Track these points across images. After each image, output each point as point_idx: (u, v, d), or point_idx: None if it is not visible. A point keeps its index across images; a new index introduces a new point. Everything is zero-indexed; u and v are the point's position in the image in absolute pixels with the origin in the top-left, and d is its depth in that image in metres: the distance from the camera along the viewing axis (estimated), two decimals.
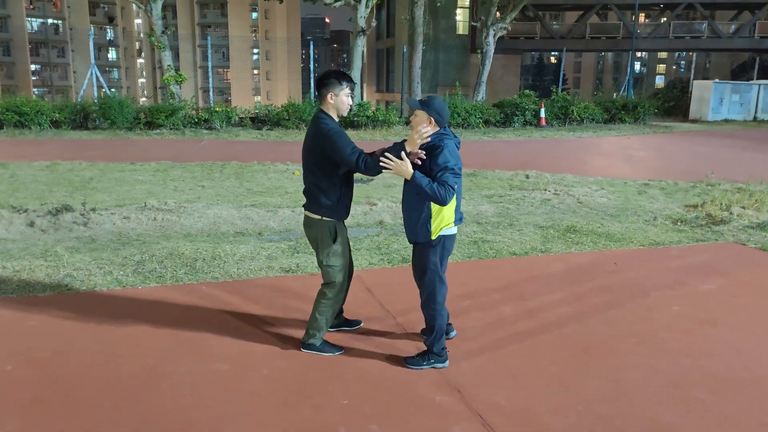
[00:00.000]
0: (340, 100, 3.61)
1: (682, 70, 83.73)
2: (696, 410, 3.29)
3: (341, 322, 4.23)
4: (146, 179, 10.02)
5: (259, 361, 3.77)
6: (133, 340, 4.03)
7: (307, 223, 3.77)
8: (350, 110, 3.72)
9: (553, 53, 64.61)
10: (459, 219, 3.81)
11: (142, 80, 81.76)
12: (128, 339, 4.04)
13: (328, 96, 3.60)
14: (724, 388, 3.52)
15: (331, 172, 3.62)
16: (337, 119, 3.66)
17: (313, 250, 6.02)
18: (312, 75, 22.00)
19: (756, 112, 25.94)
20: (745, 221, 7.47)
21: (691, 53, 42.09)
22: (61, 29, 70.06)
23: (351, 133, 18.00)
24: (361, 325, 4.28)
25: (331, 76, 3.62)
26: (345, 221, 3.88)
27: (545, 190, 9.36)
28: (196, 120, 18.15)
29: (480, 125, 20.12)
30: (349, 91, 3.63)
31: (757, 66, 30.90)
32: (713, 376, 3.67)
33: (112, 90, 20.11)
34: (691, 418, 3.21)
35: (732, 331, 4.35)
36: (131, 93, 64.88)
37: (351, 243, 6.33)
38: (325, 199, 3.66)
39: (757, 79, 28.31)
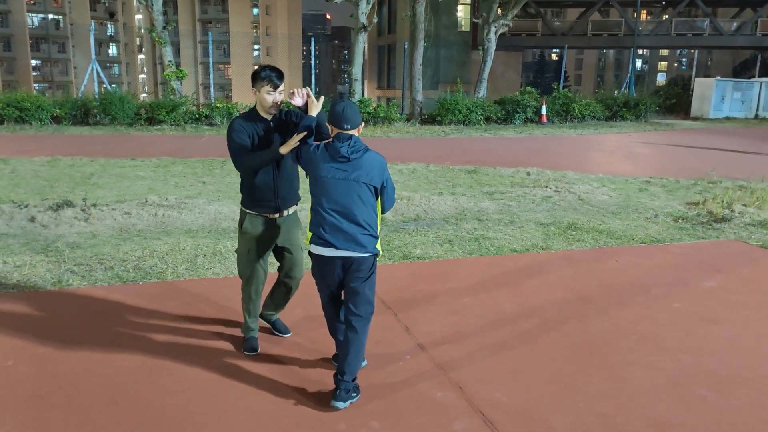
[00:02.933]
0: (261, 97, 3.54)
1: (683, 67, 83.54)
2: (697, 408, 3.29)
3: (270, 322, 4.12)
4: (147, 175, 10.02)
5: (260, 356, 3.77)
6: (134, 335, 4.03)
7: None
8: (278, 107, 3.57)
9: (554, 50, 64.52)
10: (319, 238, 3.19)
11: (143, 76, 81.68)
12: (129, 334, 4.04)
13: (253, 91, 3.58)
14: (725, 386, 3.51)
15: None
16: (265, 115, 3.58)
17: None
18: (313, 71, 21.97)
19: (758, 109, 25.89)
20: (747, 219, 7.46)
21: (692, 51, 42.02)
22: (61, 24, 70.01)
23: None
24: (288, 335, 4.06)
25: (256, 71, 3.57)
26: (270, 217, 3.68)
27: (546, 187, 9.35)
28: (197, 116, 18.13)
29: (481, 122, 20.09)
30: (271, 88, 3.50)
31: (759, 64, 30.83)
32: (714, 373, 3.67)
33: (113, 86, 20.08)
34: (691, 415, 3.21)
35: (733, 328, 4.34)
36: (132, 89, 64.68)
37: None
38: (241, 188, 3.77)
39: (759, 76, 28.26)
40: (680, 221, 7.43)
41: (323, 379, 3.49)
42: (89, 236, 6.33)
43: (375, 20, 21.19)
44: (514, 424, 3.09)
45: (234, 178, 9.81)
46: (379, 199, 3.28)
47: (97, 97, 18.15)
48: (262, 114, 3.60)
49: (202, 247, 5.87)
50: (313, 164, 3.21)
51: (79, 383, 3.41)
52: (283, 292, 3.98)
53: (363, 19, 19.45)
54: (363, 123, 3.30)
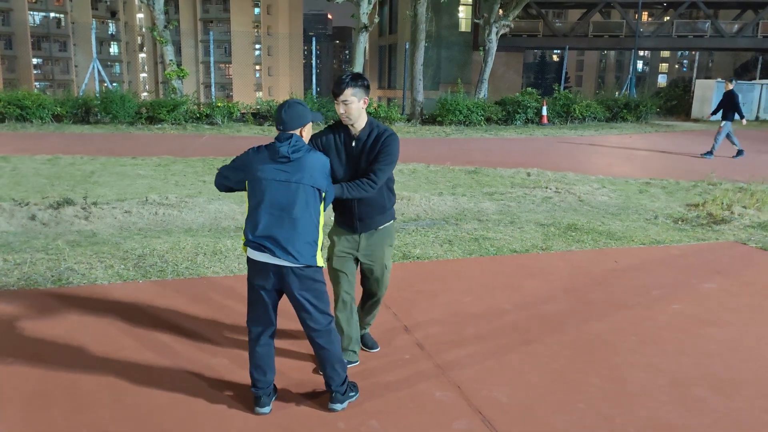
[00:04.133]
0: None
1: (684, 69, 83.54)
2: (696, 409, 3.29)
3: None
4: (147, 174, 10.02)
5: None
6: (134, 333, 4.04)
7: None
8: (348, 118, 3.30)
9: (555, 51, 64.49)
10: (250, 241, 2.99)
11: (144, 75, 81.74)
12: (129, 332, 4.04)
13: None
14: (725, 388, 3.51)
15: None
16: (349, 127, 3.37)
17: None
18: (314, 71, 21.97)
19: (758, 111, 25.89)
20: (746, 221, 7.46)
21: (693, 52, 42.05)
22: (63, 23, 70.03)
23: None
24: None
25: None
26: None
27: (546, 187, 9.35)
28: (198, 115, 18.14)
29: (482, 123, 20.09)
30: (335, 98, 3.31)
31: (759, 66, 30.80)
32: (714, 375, 3.67)
33: (114, 84, 20.07)
34: (691, 417, 3.21)
35: (733, 330, 4.34)
36: (133, 87, 64.75)
37: None
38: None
39: (760, 78, 28.25)
40: (680, 223, 7.43)
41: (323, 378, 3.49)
42: (89, 234, 6.33)
43: (376, 20, 21.18)
44: (513, 424, 3.09)
45: None
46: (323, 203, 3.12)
47: (98, 95, 18.15)
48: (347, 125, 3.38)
49: (202, 246, 5.88)
50: (250, 167, 3.03)
51: (79, 381, 3.41)
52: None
53: (364, 19, 19.46)
54: (311, 123, 3.11)
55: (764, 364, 3.81)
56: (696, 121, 25.12)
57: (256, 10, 72.66)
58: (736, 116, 13.45)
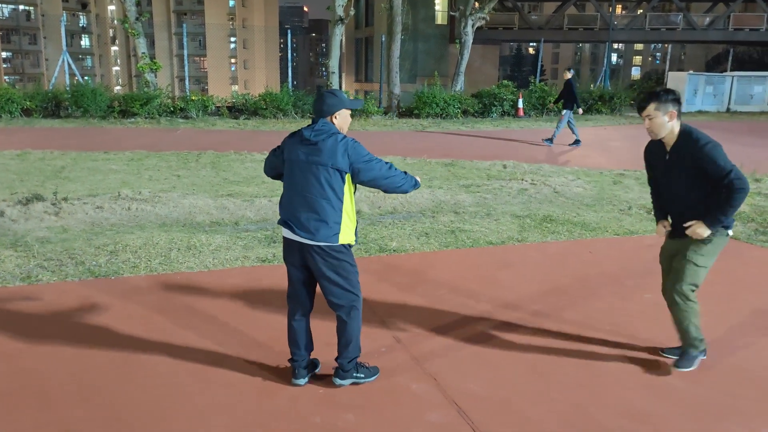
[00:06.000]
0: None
1: (657, 61, 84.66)
2: (668, 396, 3.34)
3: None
4: (120, 168, 9.86)
5: (234, 351, 3.74)
6: (106, 331, 3.98)
7: None
8: (655, 133, 3.51)
9: (531, 44, 64.85)
10: (280, 218, 3.28)
11: (117, 68, 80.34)
12: (100, 330, 3.98)
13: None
14: (696, 375, 3.57)
15: None
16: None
17: None
18: (290, 64, 21.80)
19: (729, 103, 26.31)
20: None
21: (666, 45, 42.61)
22: (32, 16, 68.44)
23: None
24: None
25: None
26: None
27: (522, 179, 9.41)
28: (172, 109, 17.87)
29: (458, 115, 20.13)
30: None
31: (730, 58, 31.31)
32: None
33: (86, 78, 19.71)
34: (662, 404, 3.26)
35: (703, 318, 4.40)
36: (105, 81, 63.67)
37: None
38: None
39: (731, 71, 28.69)
40: (652, 213, 7.51)
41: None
42: (60, 231, 6.22)
43: (352, 13, 21.06)
44: (488, 415, 3.11)
45: (209, 172, 9.71)
46: (353, 183, 3.17)
47: (68, 89, 17.79)
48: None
49: (176, 241, 5.80)
50: (283, 151, 3.25)
51: (50, 379, 3.35)
52: None
53: (340, 11, 19.34)
54: (343, 110, 3.18)
55: (733, 352, 3.89)
56: None
57: (231, 2, 71.79)
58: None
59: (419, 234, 6.37)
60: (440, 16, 38.33)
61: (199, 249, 5.65)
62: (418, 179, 3.36)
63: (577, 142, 14.03)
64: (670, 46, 34.40)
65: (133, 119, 17.03)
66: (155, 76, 19.14)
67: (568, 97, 13.91)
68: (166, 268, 5.15)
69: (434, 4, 37.90)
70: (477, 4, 23.54)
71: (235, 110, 18.74)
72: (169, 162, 10.57)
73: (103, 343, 3.80)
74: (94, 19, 75.57)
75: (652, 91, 3.44)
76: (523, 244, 6.16)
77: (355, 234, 3.24)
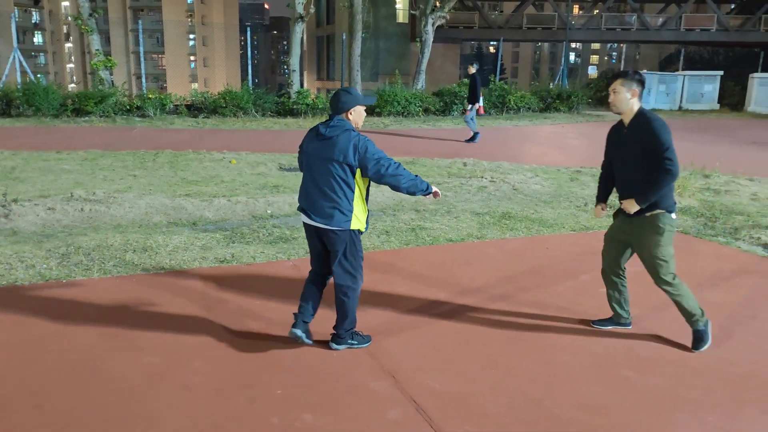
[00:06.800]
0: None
1: (613, 61, 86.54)
2: (621, 388, 3.42)
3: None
4: (73, 168, 9.60)
5: (192, 353, 3.68)
6: (58, 335, 3.87)
7: None
8: (617, 107, 3.82)
9: (491, 43, 65.55)
10: (300, 207, 3.67)
11: (71, 66, 78.18)
12: (52, 335, 3.87)
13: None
14: (647, 366, 3.67)
15: None
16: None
17: (249, 241, 5.93)
18: (250, 62, 21.56)
19: (681, 101, 27.07)
20: None
21: (621, 45, 43.61)
22: None
23: (290, 121, 17.79)
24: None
25: None
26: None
27: (482, 177, 9.51)
28: (128, 107, 17.48)
29: (420, 113, 20.22)
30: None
31: (682, 57, 32.22)
32: (637, 355, 3.82)
33: (38, 75, 19.11)
34: (615, 396, 3.34)
35: (654, 311, 4.53)
36: (59, 79, 61.84)
37: (288, 231, 6.27)
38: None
39: (683, 70, 29.52)
40: (608, 209, 7.68)
41: (257, 373, 3.45)
42: (9, 233, 6.02)
43: (312, 10, 20.96)
44: (446, 411, 3.13)
45: (166, 171, 9.53)
46: (361, 175, 3.47)
47: (19, 87, 17.23)
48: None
49: (131, 243, 5.68)
50: (303, 145, 3.62)
51: (0, 387, 3.24)
52: None
53: (300, 8, 19.21)
54: (357, 106, 3.50)
55: (683, 343, 4.00)
56: None
57: None
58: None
59: (380, 232, 6.37)
60: (401, 15, 38.46)
61: (156, 250, 5.54)
62: (434, 188, 3.67)
63: (474, 136, 14.00)
64: (625, 45, 35.24)
65: (87, 118, 16.60)
66: (110, 74, 18.70)
67: (472, 92, 13.97)
68: (120, 270, 5.03)
69: (395, 3, 38.01)
70: (437, 3, 23.67)
71: (194, 108, 18.44)
72: (124, 162, 10.34)
73: (54, 348, 3.69)
74: (47, 15, 73.39)
75: (622, 70, 3.77)
76: (482, 241, 6.22)
77: (366, 222, 3.63)
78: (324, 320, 3.90)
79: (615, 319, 4.22)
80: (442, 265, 5.50)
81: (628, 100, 3.74)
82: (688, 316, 3.90)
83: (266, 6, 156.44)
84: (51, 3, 74.83)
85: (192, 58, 70.95)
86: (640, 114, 3.76)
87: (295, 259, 5.45)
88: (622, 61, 31.02)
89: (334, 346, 3.73)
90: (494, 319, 4.31)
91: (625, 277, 4.14)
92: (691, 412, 3.19)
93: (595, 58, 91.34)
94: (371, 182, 3.58)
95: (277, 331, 3.97)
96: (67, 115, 16.64)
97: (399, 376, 3.46)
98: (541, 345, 3.93)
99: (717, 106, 27.33)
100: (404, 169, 3.50)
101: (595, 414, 3.15)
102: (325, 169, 3.45)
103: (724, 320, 4.39)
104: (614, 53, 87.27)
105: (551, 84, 26.41)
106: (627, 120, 3.81)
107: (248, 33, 22.62)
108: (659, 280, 3.84)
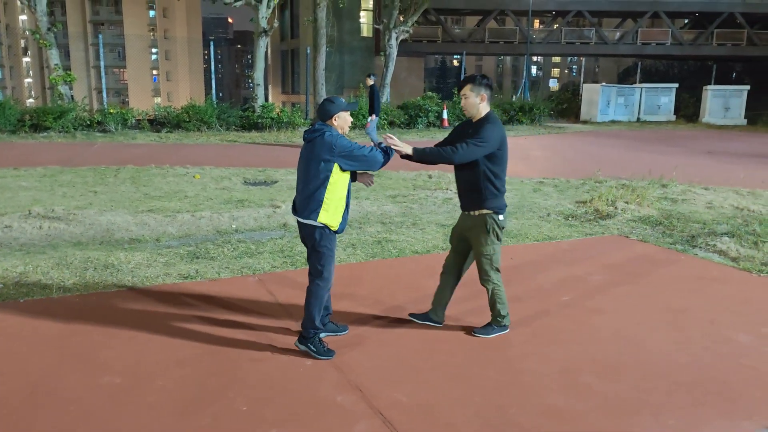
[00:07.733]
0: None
1: (573, 74, 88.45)
2: (584, 394, 3.48)
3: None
4: (31, 185, 9.37)
5: (155, 371, 3.61)
6: (14, 356, 3.76)
7: None
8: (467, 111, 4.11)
9: (455, 56, 66.39)
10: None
11: (29, 80, 76.41)
12: (8, 355, 3.76)
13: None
14: (609, 372, 3.74)
15: None
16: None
17: (213, 256, 5.86)
18: (213, 76, 21.40)
19: (639, 113, 27.82)
20: (629, 215, 7.99)
21: (581, 58, 44.63)
22: None
23: (255, 135, 17.69)
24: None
25: None
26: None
27: (447, 189, 9.59)
28: (89, 122, 17.16)
29: (385, 126, 20.33)
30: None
31: (639, 70, 33.15)
32: (600, 361, 3.90)
33: None
34: (578, 402, 3.39)
35: (617, 318, 4.64)
36: (16, 94, 60.47)
37: (253, 246, 6.22)
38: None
39: (640, 82, 30.37)
40: (570, 219, 7.85)
41: (222, 390, 3.41)
42: None
43: (276, 24, 20.96)
44: (413, 423, 3.14)
45: (128, 187, 9.38)
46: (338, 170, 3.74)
47: None
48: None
49: (92, 260, 5.56)
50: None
51: None
52: None
53: (263, 23, 19.19)
54: (340, 113, 3.81)
55: (644, 348, 4.09)
56: (585, 122, 26.65)
57: (152, 13, 69.81)
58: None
59: (346, 245, 6.38)
60: (365, 29, 38.66)
61: (118, 267, 5.44)
62: (395, 148, 3.89)
63: (378, 146, 14.08)
64: (584, 59, 36.01)
65: (45, 134, 16.25)
66: (70, 89, 18.36)
67: (371, 103, 14.07)
68: (81, 289, 4.92)
69: (359, 17, 38.21)
70: (401, 18, 23.91)
71: (156, 123, 18.21)
72: (85, 178, 10.13)
73: (10, 369, 3.59)
74: (4, 29, 71.74)
75: (471, 75, 4.00)
76: (447, 253, 6.25)
77: (343, 221, 3.83)
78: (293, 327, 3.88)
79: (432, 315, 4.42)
80: (408, 277, 5.53)
81: (477, 105, 3.99)
82: (497, 314, 4.20)
83: (230, 20, 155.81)
84: (8, 17, 73.21)
85: (155, 72, 70.09)
86: (487, 116, 4.01)
87: (260, 273, 5.41)
88: (582, 74, 31.74)
89: (298, 344, 3.89)
90: (459, 329, 4.34)
91: (459, 278, 4.38)
92: (652, 415, 3.27)
93: (556, 71, 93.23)
94: (351, 181, 3.90)
95: (242, 348, 3.93)
96: (24, 131, 16.26)
97: (365, 389, 3.46)
98: (506, 354, 3.97)
99: (673, 118, 28.17)
100: (374, 150, 3.83)
101: (559, 420, 3.20)
102: (306, 168, 3.76)
103: (683, 325, 4.51)
104: (574, 66, 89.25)
105: (514, 97, 26.87)
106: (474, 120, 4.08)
107: (212, 47, 22.46)
108: (485, 280, 4.13)
